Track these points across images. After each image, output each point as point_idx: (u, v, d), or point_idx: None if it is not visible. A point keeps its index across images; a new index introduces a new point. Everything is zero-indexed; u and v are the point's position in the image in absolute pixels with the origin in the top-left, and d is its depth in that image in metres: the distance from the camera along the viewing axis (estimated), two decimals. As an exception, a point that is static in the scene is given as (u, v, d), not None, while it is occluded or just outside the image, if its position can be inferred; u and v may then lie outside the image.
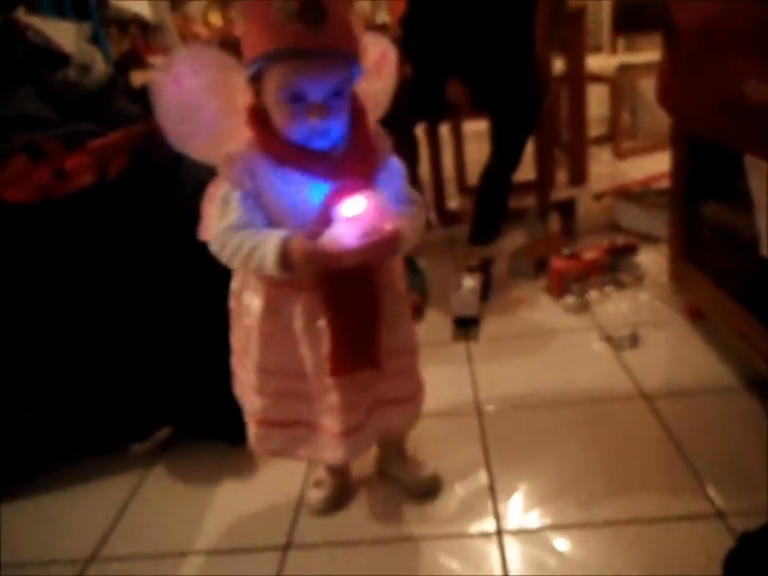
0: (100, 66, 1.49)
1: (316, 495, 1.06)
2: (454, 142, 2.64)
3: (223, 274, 1.20)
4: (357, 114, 0.81)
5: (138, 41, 2.98)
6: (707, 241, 1.34)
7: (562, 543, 0.93)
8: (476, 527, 0.98)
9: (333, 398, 0.87)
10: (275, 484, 1.14)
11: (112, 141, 1.22)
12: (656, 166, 2.85)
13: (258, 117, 0.78)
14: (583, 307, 1.60)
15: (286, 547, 0.99)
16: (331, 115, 0.75)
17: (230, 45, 2.18)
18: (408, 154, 1.98)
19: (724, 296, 1.27)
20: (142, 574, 0.99)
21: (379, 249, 0.75)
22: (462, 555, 0.93)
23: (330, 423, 0.89)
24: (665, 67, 0.61)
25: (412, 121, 1.96)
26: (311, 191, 0.77)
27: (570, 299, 1.62)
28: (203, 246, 1.18)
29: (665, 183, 2.12)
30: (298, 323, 0.84)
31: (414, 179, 2.05)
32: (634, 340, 1.42)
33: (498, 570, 0.90)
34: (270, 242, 0.75)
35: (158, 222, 1.21)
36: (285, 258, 0.75)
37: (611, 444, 1.13)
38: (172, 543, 1.04)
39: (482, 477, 1.08)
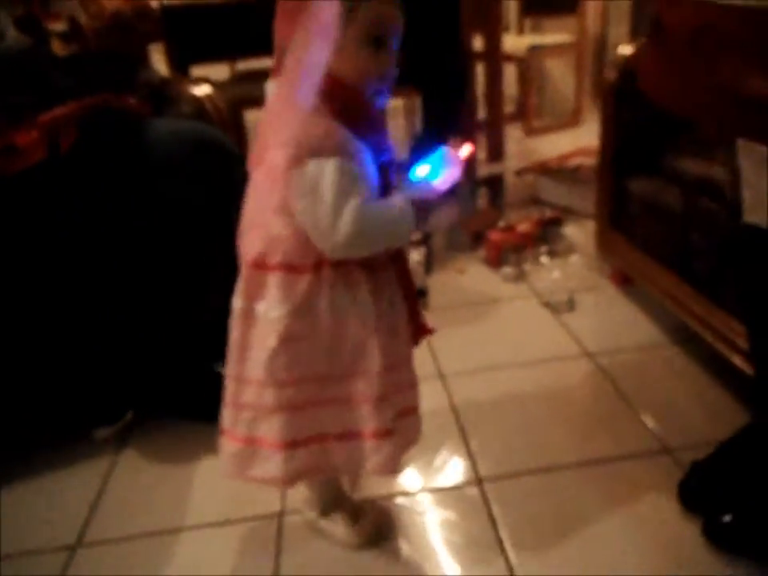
0: (12, 33, 1.41)
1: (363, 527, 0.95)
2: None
3: (184, 249, 1.20)
4: None
5: (35, 5, 2.76)
6: (634, 212, 1.49)
7: (534, 487, 1.03)
8: (457, 479, 1.07)
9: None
10: (257, 456, 1.16)
11: (62, 115, 1.17)
12: (563, 142, 3.06)
13: (341, 83, 0.71)
14: (520, 276, 1.72)
15: (281, 514, 1.03)
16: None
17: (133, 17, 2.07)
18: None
19: (652, 262, 1.42)
20: (137, 553, 0.99)
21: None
22: (448, 504, 1.01)
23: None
24: (650, 58, 0.70)
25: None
26: (372, 156, 0.74)
27: (507, 269, 1.74)
28: (166, 222, 1.18)
29: (579, 160, 2.30)
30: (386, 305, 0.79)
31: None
32: (570, 304, 1.56)
33: (484, 513, 0.99)
34: (404, 207, 0.73)
35: (114, 198, 1.17)
36: (416, 215, 0.73)
37: (566, 398, 1.25)
38: (161, 521, 1.04)
39: (454, 434, 1.16)
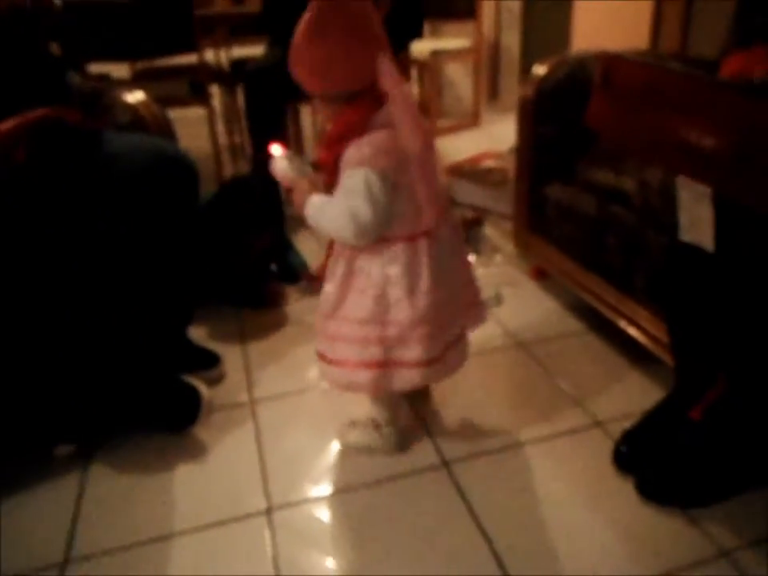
0: None
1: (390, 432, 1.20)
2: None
3: (144, 261, 1.22)
4: (338, 122, 1.00)
5: None
6: (550, 215, 1.68)
7: (492, 465, 1.18)
8: (422, 462, 1.19)
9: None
10: (232, 458, 1.22)
11: (10, 128, 1.15)
12: (465, 142, 3.27)
13: None
14: (449, 274, 1.87)
15: (269, 510, 1.10)
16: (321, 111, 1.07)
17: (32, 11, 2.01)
18: (277, 133, 2.06)
19: (567, 259, 1.62)
20: (131, 564, 1.02)
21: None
22: (419, 490, 1.13)
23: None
24: (597, 101, 0.84)
25: (282, 101, 2.03)
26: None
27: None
28: (127, 235, 1.19)
29: (489, 162, 2.49)
30: None
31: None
32: (498, 299, 1.73)
33: (454, 492, 1.12)
34: None
35: (73, 212, 1.17)
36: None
37: (506, 385, 1.41)
38: (148, 530, 1.07)
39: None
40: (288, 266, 1.87)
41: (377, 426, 1.20)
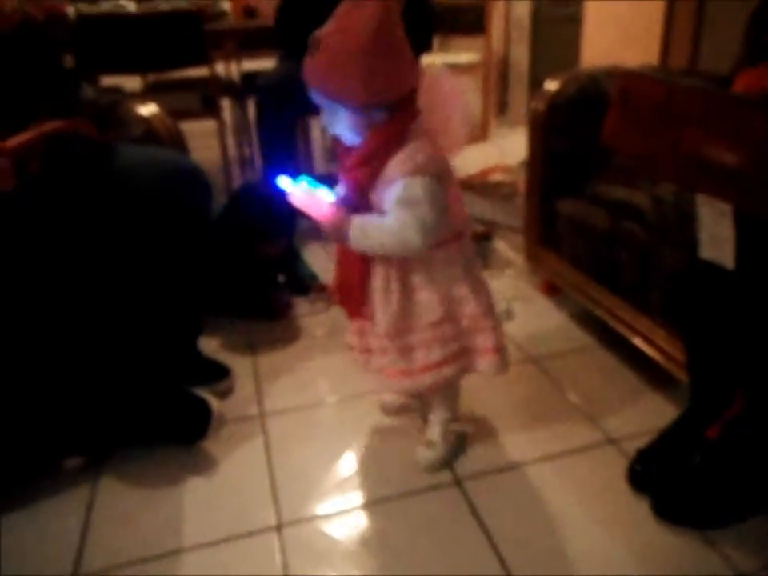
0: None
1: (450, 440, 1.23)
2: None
3: (155, 275, 1.22)
4: (377, 132, 0.96)
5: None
6: (561, 230, 1.67)
7: (504, 483, 1.17)
8: (434, 479, 1.17)
9: None
10: (242, 472, 1.21)
11: (27, 140, 1.15)
12: (474, 156, 3.27)
13: None
14: (459, 288, 1.86)
15: (279, 527, 1.09)
16: (332, 126, 0.99)
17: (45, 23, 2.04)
18: (288, 147, 2.07)
19: (580, 274, 1.61)
20: (141, 578, 1.01)
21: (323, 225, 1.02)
22: (430, 507, 1.12)
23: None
24: (615, 118, 0.84)
25: (294, 115, 2.04)
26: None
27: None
28: (140, 248, 1.19)
29: (498, 176, 2.50)
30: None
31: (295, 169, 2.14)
32: (509, 314, 1.71)
33: (466, 510, 1.11)
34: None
35: (87, 225, 1.18)
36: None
37: (518, 401, 1.40)
38: (158, 545, 1.06)
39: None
40: (298, 278, 1.87)
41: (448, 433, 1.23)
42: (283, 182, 1.02)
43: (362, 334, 1.15)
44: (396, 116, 0.95)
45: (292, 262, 1.88)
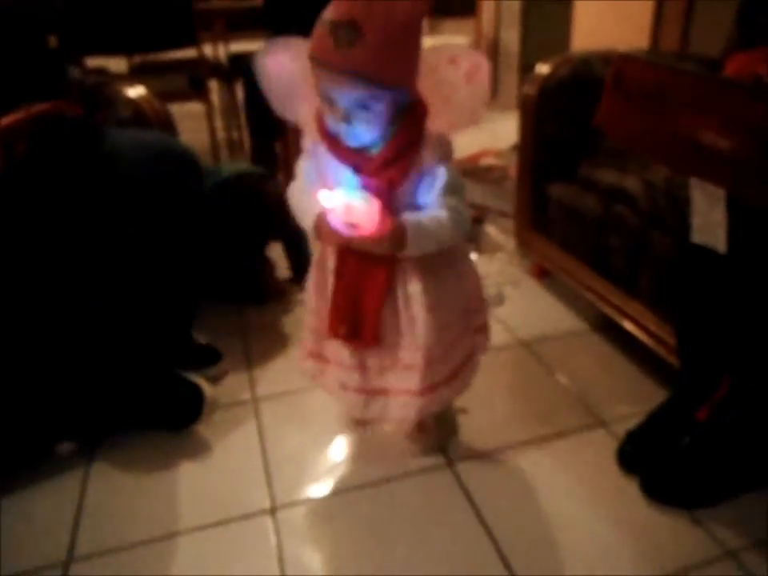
0: None
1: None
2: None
3: (145, 259, 1.21)
4: (405, 124, 0.88)
5: None
6: (552, 215, 1.68)
7: (496, 464, 1.18)
8: (426, 462, 1.18)
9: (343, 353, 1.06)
10: (236, 456, 1.21)
11: (14, 122, 1.14)
12: (464, 138, 3.25)
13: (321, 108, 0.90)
14: (451, 272, 1.87)
15: (273, 509, 1.10)
16: (354, 123, 0.84)
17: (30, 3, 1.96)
18: (276, 129, 2.05)
19: (570, 258, 1.62)
20: (136, 562, 1.01)
21: (365, 241, 0.89)
22: (423, 489, 1.13)
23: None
24: (609, 102, 0.84)
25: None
26: (344, 177, 0.91)
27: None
28: (131, 232, 1.18)
29: (489, 160, 2.49)
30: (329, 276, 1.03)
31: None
32: (500, 298, 1.73)
33: (459, 492, 1.12)
34: (313, 209, 0.93)
35: (76, 209, 1.16)
36: (316, 227, 0.94)
37: (509, 384, 1.41)
38: (152, 528, 1.07)
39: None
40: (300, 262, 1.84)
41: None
42: (323, 197, 0.87)
43: (363, 369, 1.05)
44: (419, 101, 0.90)
45: (296, 246, 1.83)
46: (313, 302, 1.08)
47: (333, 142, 0.90)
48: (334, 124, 0.87)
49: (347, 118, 0.85)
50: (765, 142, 0.69)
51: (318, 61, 0.83)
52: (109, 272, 1.20)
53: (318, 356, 1.12)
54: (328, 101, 0.85)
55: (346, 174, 0.91)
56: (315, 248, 1.07)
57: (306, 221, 0.96)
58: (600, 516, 1.06)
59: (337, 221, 0.87)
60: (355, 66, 0.80)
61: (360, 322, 1.00)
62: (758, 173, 0.70)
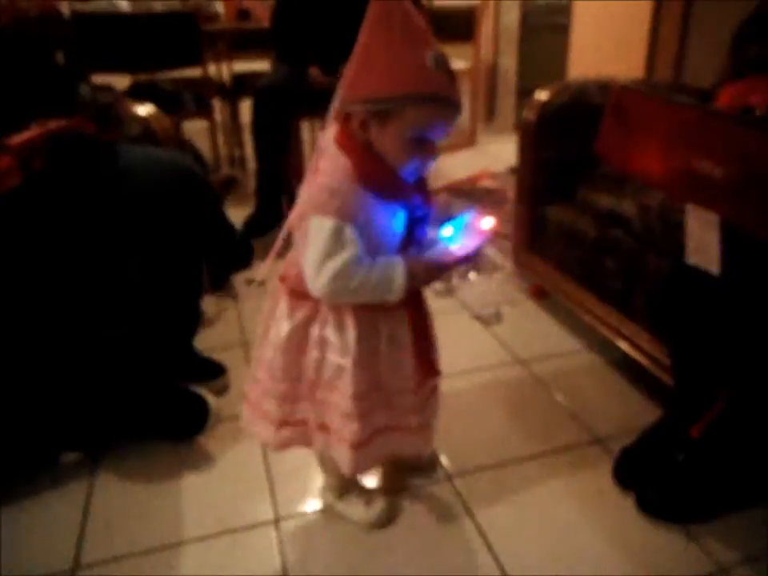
0: None
1: (377, 510, 1.10)
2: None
3: (152, 273, 1.24)
4: None
5: None
6: (550, 236, 1.72)
7: (494, 480, 1.20)
8: (429, 476, 1.21)
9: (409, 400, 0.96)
10: (239, 467, 1.24)
11: (31, 138, 1.17)
12: (462, 161, 3.33)
13: (364, 149, 0.82)
14: (450, 291, 1.91)
15: (277, 520, 1.12)
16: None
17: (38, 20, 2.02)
18: (283, 150, 2.09)
19: (567, 280, 1.66)
20: (141, 571, 1.03)
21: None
22: (423, 502, 1.15)
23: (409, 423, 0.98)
24: (608, 131, 0.88)
25: (290, 119, 2.07)
26: (397, 219, 0.86)
27: (437, 285, 1.91)
28: (140, 246, 1.21)
29: (487, 182, 2.53)
30: (384, 342, 0.92)
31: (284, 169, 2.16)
32: (498, 317, 1.76)
33: (459, 506, 1.14)
34: (396, 268, 0.83)
35: (88, 224, 1.19)
36: (410, 279, 0.83)
37: (506, 401, 1.44)
38: (157, 537, 1.08)
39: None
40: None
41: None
42: (446, 234, 0.88)
43: (423, 408, 0.99)
44: None
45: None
46: (365, 384, 0.92)
47: (400, 185, 0.85)
48: (415, 163, 0.83)
49: (437, 152, 0.84)
50: (755, 169, 0.73)
51: (433, 96, 0.78)
52: (115, 282, 1.23)
53: (297, 422, 0.99)
54: (418, 142, 0.81)
55: (395, 214, 0.86)
56: (358, 323, 0.90)
57: (393, 286, 0.83)
58: (595, 530, 1.08)
59: (468, 246, 0.87)
60: (458, 94, 0.82)
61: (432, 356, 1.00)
62: (749, 199, 0.74)
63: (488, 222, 0.89)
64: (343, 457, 0.95)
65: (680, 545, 1.05)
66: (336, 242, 0.80)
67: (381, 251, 0.85)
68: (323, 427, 0.97)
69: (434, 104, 0.79)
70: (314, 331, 0.91)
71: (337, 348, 0.89)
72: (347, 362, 0.89)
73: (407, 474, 1.20)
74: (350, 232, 0.80)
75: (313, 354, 0.91)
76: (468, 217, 0.89)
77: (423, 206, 0.88)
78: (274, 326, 0.95)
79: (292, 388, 0.95)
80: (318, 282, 0.82)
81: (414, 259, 0.86)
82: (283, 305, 0.93)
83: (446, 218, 0.91)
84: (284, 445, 1.01)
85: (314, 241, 0.81)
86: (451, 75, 0.80)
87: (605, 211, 1.51)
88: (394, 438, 0.99)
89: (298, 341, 0.92)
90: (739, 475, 1.08)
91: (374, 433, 0.95)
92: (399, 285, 0.83)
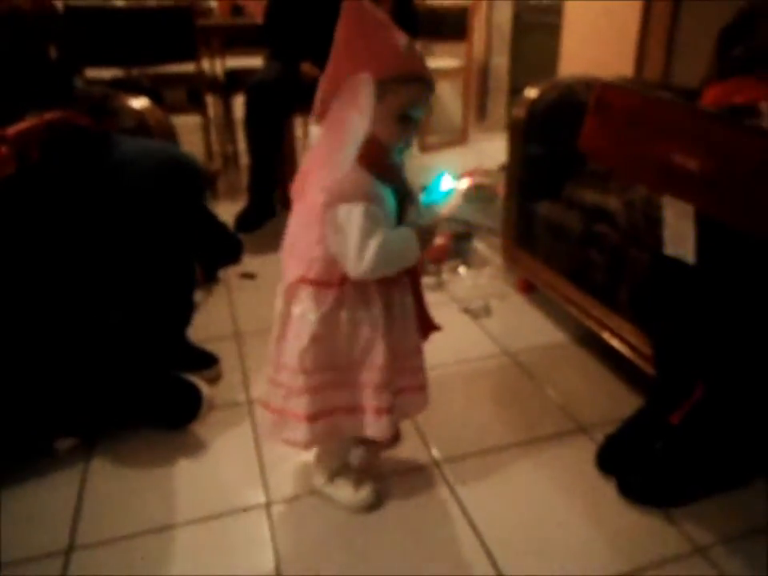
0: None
1: (365, 493, 1.13)
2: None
3: (147, 262, 1.26)
4: None
5: None
6: (537, 231, 1.75)
7: (480, 466, 1.23)
8: (414, 461, 1.24)
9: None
10: (231, 454, 1.26)
11: (27, 128, 1.19)
12: (454, 159, 3.36)
13: (376, 143, 0.89)
14: (440, 285, 1.94)
15: (268, 504, 1.14)
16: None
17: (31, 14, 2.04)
18: (276, 146, 2.11)
19: (554, 274, 1.69)
20: (135, 552, 1.05)
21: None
22: (411, 487, 1.18)
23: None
24: (591, 126, 0.91)
25: (283, 115, 2.09)
26: (390, 197, 0.93)
27: (427, 279, 1.94)
28: (134, 236, 1.23)
29: (478, 179, 2.57)
30: (398, 309, 0.99)
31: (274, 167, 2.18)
32: (487, 310, 1.79)
33: (446, 491, 1.17)
34: (410, 234, 0.92)
35: (83, 214, 1.21)
36: (421, 243, 0.93)
37: (493, 392, 1.47)
38: (151, 520, 1.11)
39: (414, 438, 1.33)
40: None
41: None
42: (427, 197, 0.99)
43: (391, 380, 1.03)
44: None
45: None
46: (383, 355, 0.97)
47: (389, 167, 0.93)
48: (403, 142, 0.92)
49: (418, 128, 0.92)
50: (727, 164, 0.77)
51: (415, 76, 0.87)
52: (111, 274, 1.25)
53: (330, 412, 1.01)
54: (404, 120, 0.88)
55: (388, 193, 0.92)
56: (370, 304, 0.95)
57: (412, 253, 0.92)
58: (578, 513, 1.12)
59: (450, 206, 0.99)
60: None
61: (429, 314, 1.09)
62: (721, 191, 0.77)
63: (463, 182, 0.96)
64: (380, 427, 1.00)
65: (658, 526, 1.08)
66: (371, 222, 0.87)
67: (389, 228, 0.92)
68: (355, 409, 1.01)
69: (417, 83, 0.87)
70: (344, 314, 0.95)
71: (367, 323, 0.95)
72: (377, 335, 0.95)
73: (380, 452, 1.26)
74: (377, 210, 0.88)
75: (344, 334, 0.96)
76: (443, 178, 0.97)
77: (407, 186, 0.96)
78: (292, 325, 0.97)
79: (321, 378, 0.98)
80: (363, 262, 0.87)
81: (413, 226, 0.94)
82: (306, 300, 0.95)
83: (425, 187, 1.00)
84: (315, 441, 1.03)
85: (349, 227, 0.87)
86: (422, 57, 0.88)
87: (591, 207, 1.54)
88: (406, 399, 1.05)
89: (328, 327, 0.96)
90: (716, 460, 1.12)
91: (395, 395, 1.01)
92: (416, 249, 0.92)
